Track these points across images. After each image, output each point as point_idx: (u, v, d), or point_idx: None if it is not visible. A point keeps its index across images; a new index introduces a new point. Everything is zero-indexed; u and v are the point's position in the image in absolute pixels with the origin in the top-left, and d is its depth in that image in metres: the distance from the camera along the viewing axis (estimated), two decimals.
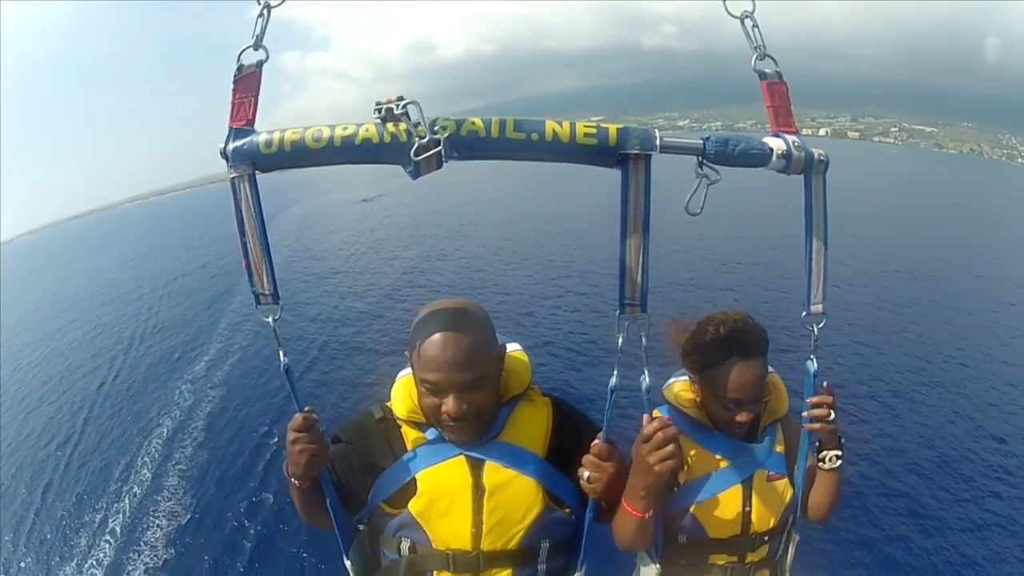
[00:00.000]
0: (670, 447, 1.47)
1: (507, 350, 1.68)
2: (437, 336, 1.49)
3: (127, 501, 7.12)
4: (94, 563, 6.15)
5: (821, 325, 1.65)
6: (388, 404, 1.72)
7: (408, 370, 1.67)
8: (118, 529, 6.62)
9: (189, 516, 6.68)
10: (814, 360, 1.69)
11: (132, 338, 14.57)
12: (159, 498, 7.09)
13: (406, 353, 1.61)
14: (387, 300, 14.43)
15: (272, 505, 6.64)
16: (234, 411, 9.18)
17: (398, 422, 1.68)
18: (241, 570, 5.85)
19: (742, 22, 1.53)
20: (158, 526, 6.54)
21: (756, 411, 1.81)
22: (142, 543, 6.31)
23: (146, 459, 8.08)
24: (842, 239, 17.81)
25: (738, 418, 1.77)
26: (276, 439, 7.81)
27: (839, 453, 1.76)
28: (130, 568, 6.00)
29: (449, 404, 1.50)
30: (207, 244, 29.33)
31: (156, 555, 6.12)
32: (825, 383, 1.71)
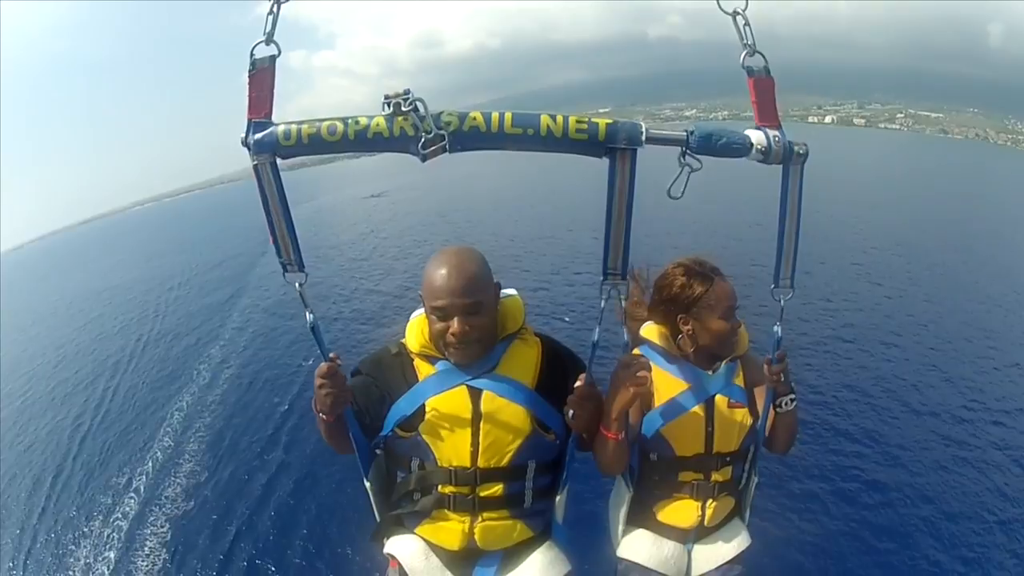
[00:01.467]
0: (642, 373, 1.72)
1: (503, 290, 1.91)
2: (443, 269, 1.73)
3: (150, 464, 7.81)
4: (119, 516, 6.81)
5: (789, 297, 1.86)
6: (402, 340, 1.95)
7: (420, 311, 1.90)
8: (142, 487, 7.27)
9: (207, 474, 7.30)
10: (779, 328, 1.93)
11: (151, 328, 15.34)
12: (180, 461, 7.73)
13: (420, 295, 1.81)
14: (400, 287, 14.72)
15: (286, 460, 7.11)
16: (250, 387, 9.78)
17: (411, 356, 1.91)
18: (262, 514, 6.30)
19: (734, 19, 1.62)
20: (179, 483, 7.20)
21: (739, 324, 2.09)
22: (164, 497, 6.95)
23: (168, 429, 8.75)
24: (830, 222, 17.91)
25: (734, 324, 2.06)
26: (287, 406, 8.50)
27: (792, 397, 2.02)
28: (151, 519, 6.61)
29: (455, 326, 1.73)
30: (221, 242, 29.94)
31: (176, 507, 6.75)
32: (778, 352, 1.94)
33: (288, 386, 9.30)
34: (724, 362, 2.12)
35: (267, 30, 1.52)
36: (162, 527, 6.38)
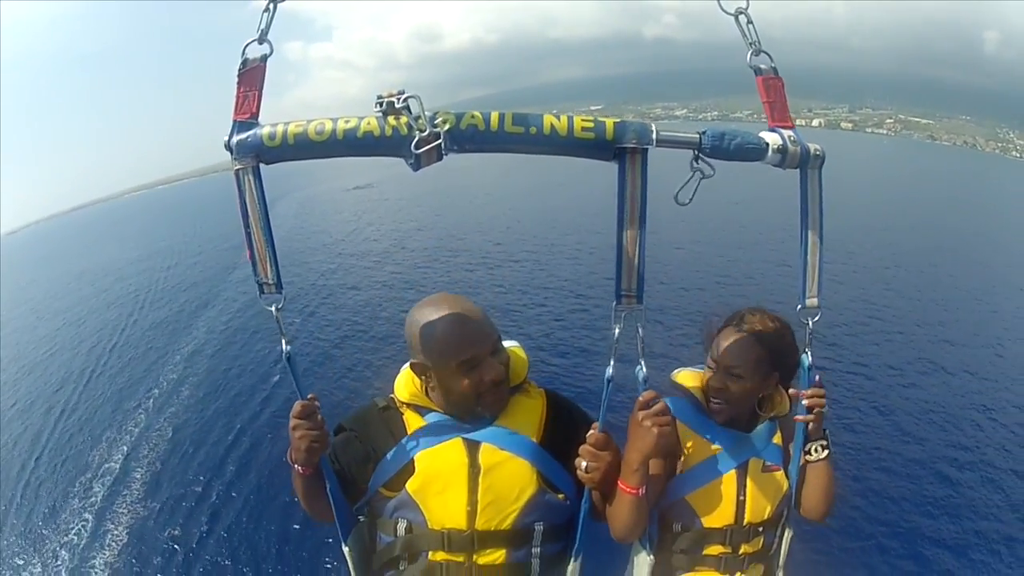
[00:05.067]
0: (666, 415, 1.55)
1: (503, 345, 1.74)
2: (452, 319, 1.58)
3: (149, 404, 9.35)
4: (129, 429, 8.50)
5: (816, 319, 1.67)
6: (391, 395, 1.78)
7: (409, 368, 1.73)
8: (136, 429, 8.64)
9: (199, 404, 8.95)
10: (809, 354, 1.72)
11: (145, 300, 17.22)
12: (177, 395, 9.41)
13: (414, 362, 1.66)
14: (384, 288, 14.62)
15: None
16: (240, 348, 11.11)
17: (400, 408, 1.74)
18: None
19: (736, 19, 1.54)
20: (170, 423, 8.63)
21: (737, 390, 1.83)
22: (159, 430, 8.39)
23: (162, 380, 10.31)
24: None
25: (712, 383, 1.83)
26: (278, 377, 9.39)
27: (824, 443, 1.79)
28: (151, 446, 7.93)
29: (490, 371, 1.60)
30: (212, 229, 30.86)
31: (166, 440, 8.08)
32: (817, 376, 1.73)
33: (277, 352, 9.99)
34: (763, 422, 1.91)
35: (261, 28, 1.42)
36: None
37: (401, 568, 1.69)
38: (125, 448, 7.94)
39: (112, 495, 6.93)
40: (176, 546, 6.05)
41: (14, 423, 9.82)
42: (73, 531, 6.42)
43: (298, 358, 1.59)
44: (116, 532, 6.31)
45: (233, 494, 6.70)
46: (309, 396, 1.60)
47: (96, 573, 5.84)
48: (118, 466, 7.50)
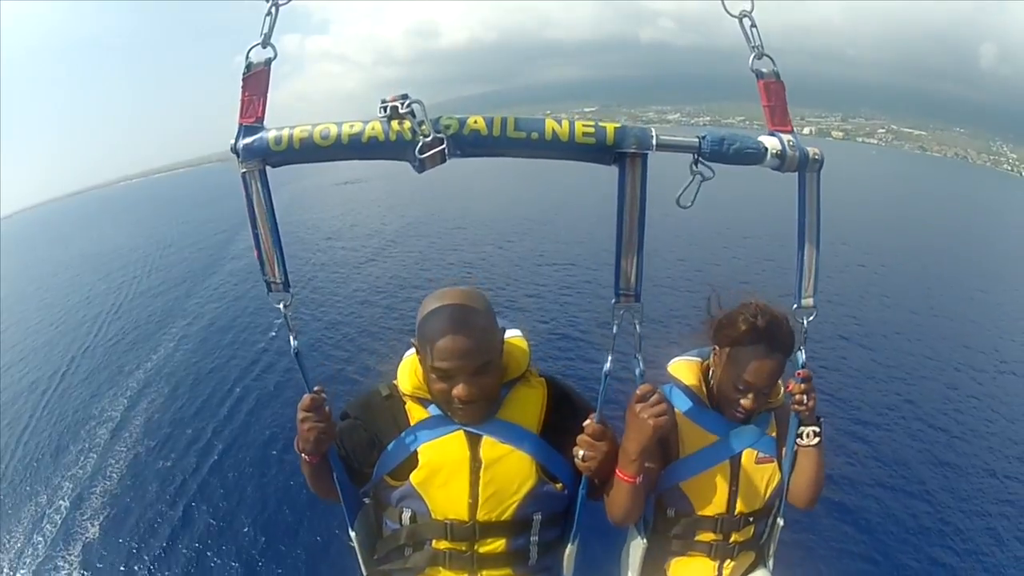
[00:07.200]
0: (662, 405, 1.57)
1: (506, 335, 1.76)
2: (446, 327, 1.55)
3: (149, 366, 9.95)
4: (130, 385, 9.08)
5: (811, 318, 1.71)
6: (394, 382, 1.80)
7: (414, 350, 1.74)
8: (137, 385, 9.25)
9: (196, 365, 9.52)
10: (803, 351, 1.76)
11: (144, 281, 18.05)
12: (175, 358, 10.01)
13: (412, 341, 1.67)
14: (382, 283, 14.72)
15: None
16: (235, 324, 11.68)
17: (403, 398, 1.75)
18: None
19: (740, 22, 1.55)
20: (167, 381, 9.17)
21: (760, 403, 1.86)
22: (156, 387, 8.96)
23: (160, 347, 10.95)
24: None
25: (743, 402, 1.83)
26: (264, 345, 9.93)
27: (816, 429, 1.83)
28: (149, 400, 8.39)
29: (460, 389, 1.57)
30: (209, 217, 31.83)
31: (164, 394, 8.62)
32: (802, 370, 1.76)
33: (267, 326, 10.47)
34: (760, 412, 1.95)
35: (264, 32, 1.44)
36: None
37: (407, 554, 1.76)
38: (125, 401, 8.62)
39: (113, 438, 7.60)
40: (169, 476, 6.63)
41: (28, 392, 10.34)
42: (78, 466, 7.02)
43: (306, 352, 1.62)
44: (116, 466, 6.93)
45: (223, 436, 7.31)
46: (316, 389, 1.63)
47: (96, 499, 6.33)
48: (119, 415, 8.22)
